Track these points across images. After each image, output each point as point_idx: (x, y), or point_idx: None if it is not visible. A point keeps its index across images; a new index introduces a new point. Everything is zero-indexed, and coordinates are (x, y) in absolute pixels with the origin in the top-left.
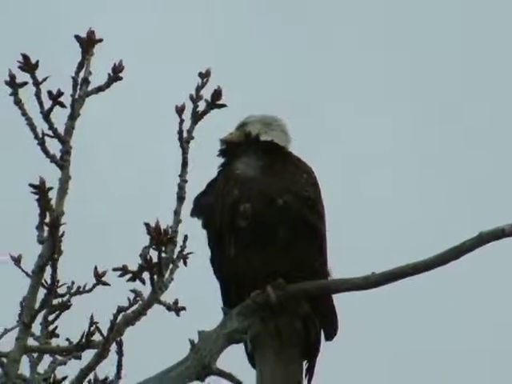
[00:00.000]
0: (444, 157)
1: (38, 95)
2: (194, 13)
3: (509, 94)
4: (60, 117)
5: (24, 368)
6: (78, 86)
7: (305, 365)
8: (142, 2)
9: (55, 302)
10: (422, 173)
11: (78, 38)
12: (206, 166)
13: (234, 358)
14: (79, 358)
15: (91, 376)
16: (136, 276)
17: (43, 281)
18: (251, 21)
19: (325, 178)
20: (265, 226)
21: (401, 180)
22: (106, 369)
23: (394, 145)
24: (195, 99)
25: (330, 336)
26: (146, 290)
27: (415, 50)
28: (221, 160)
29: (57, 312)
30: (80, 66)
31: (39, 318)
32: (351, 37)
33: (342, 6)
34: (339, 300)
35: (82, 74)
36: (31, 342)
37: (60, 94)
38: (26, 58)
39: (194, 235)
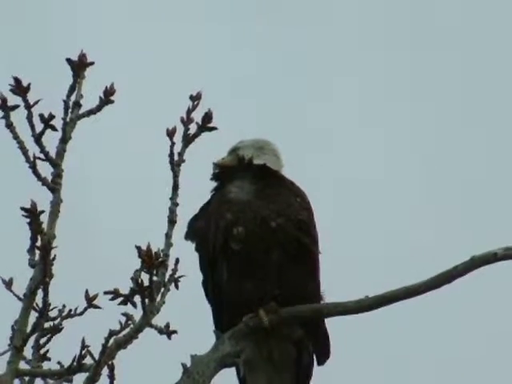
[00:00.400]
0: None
1: (29, 118)
2: (185, 37)
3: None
4: (51, 140)
5: None
6: (70, 110)
7: None
8: (133, 25)
9: (47, 325)
10: (413, 200)
11: (69, 61)
12: (197, 189)
13: (226, 383)
14: (70, 381)
15: None
16: (127, 299)
17: (35, 304)
18: (238, 44)
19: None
20: (258, 249)
21: (394, 205)
22: None
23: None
24: (186, 122)
25: (322, 360)
26: (138, 314)
27: (415, 51)
28: (214, 184)
29: (48, 335)
30: (71, 89)
31: (31, 341)
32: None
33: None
34: (332, 323)
35: (73, 98)
36: (23, 365)
37: (51, 117)
38: (17, 81)
39: (186, 258)
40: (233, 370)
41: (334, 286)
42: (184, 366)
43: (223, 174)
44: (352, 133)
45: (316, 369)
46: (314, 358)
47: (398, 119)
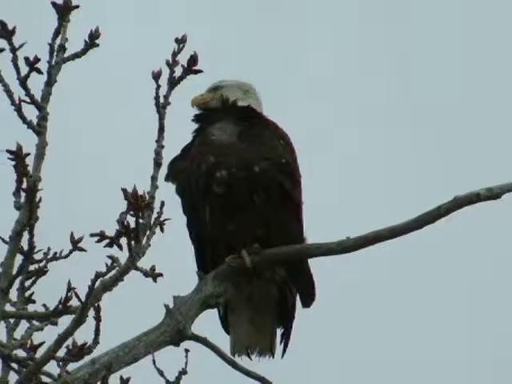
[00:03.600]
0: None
1: (14, 61)
2: None
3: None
4: (37, 83)
5: (1, 334)
6: (55, 53)
7: (280, 331)
8: None
9: (32, 267)
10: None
11: (54, 4)
12: (183, 132)
13: (209, 323)
14: (55, 323)
15: (69, 341)
16: (113, 241)
17: (20, 247)
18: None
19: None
20: (241, 192)
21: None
22: (84, 335)
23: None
24: (171, 65)
25: (307, 302)
26: (124, 256)
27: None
28: (195, 125)
29: (33, 278)
30: (56, 33)
31: (16, 284)
32: None
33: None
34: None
35: (58, 41)
36: (8, 308)
37: (37, 60)
38: (2, 24)
39: (171, 201)
40: (215, 310)
41: (316, 229)
42: (167, 307)
43: (205, 115)
44: None
45: (301, 311)
46: (298, 299)
47: None
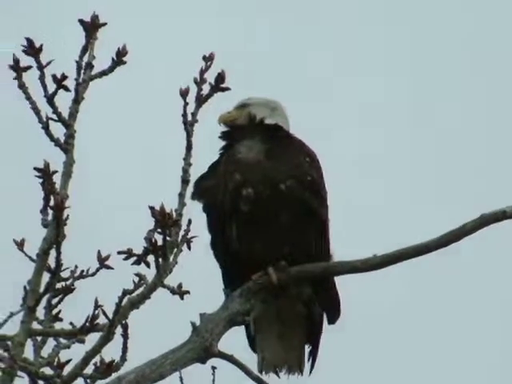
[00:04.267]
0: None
1: (41, 79)
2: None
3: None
4: (64, 101)
5: (28, 351)
6: (82, 70)
7: (307, 348)
8: None
9: (59, 285)
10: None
11: (81, 22)
12: (210, 150)
13: (236, 341)
14: (83, 341)
15: (97, 359)
16: (141, 259)
17: (47, 264)
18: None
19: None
20: (267, 210)
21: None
22: (111, 352)
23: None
24: (199, 82)
25: (332, 320)
26: (151, 274)
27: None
28: (222, 142)
29: (60, 296)
30: (84, 50)
31: (43, 302)
32: None
33: None
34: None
35: (85, 58)
36: (35, 325)
37: (64, 77)
38: (30, 41)
39: (198, 219)
40: (242, 328)
41: (343, 245)
42: (193, 324)
43: (232, 132)
44: None
45: (327, 328)
46: (324, 316)
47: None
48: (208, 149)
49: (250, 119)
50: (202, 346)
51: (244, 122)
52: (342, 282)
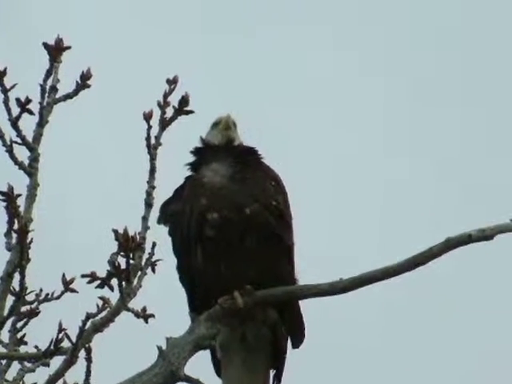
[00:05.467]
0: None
1: (6, 102)
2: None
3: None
4: (28, 124)
5: None
6: (46, 94)
7: (272, 373)
8: (109, 9)
9: (23, 309)
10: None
11: (45, 45)
12: (174, 173)
13: (202, 365)
14: (48, 365)
15: (60, 382)
16: (104, 282)
17: (11, 288)
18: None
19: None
20: (232, 235)
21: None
22: (75, 375)
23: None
24: (163, 106)
25: (297, 343)
26: (115, 297)
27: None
28: (191, 160)
29: (25, 319)
30: (48, 74)
31: (7, 325)
32: None
33: None
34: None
35: (50, 82)
36: (0, 349)
37: (28, 101)
38: None
39: (163, 242)
40: (208, 352)
41: (309, 267)
42: (159, 348)
43: (204, 150)
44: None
45: (291, 352)
46: (289, 341)
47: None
48: (172, 172)
49: (228, 141)
50: (168, 370)
51: (221, 142)
52: (306, 305)
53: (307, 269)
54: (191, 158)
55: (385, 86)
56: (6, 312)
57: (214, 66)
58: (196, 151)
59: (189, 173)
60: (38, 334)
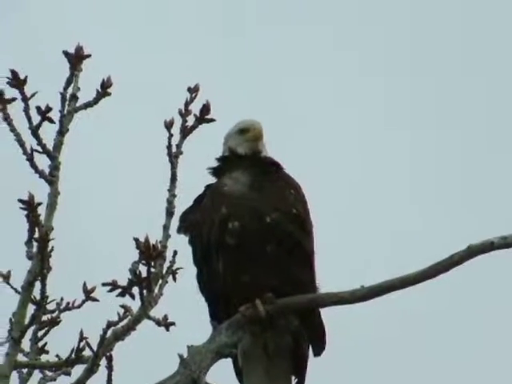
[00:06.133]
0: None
1: (26, 111)
2: (182, 26)
3: None
4: (49, 132)
5: None
6: (67, 102)
7: (294, 380)
8: (131, 17)
9: (44, 318)
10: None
11: (66, 53)
12: (195, 181)
13: (223, 373)
14: (69, 373)
15: None
16: (125, 291)
17: (32, 297)
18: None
19: None
20: (253, 243)
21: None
22: None
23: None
24: (184, 114)
25: (318, 351)
26: (136, 306)
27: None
28: (214, 166)
29: (46, 328)
30: (68, 82)
31: (29, 334)
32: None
33: None
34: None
35: (70, 90)
36: (21, 358)
37: (49, 109)
38: (14, 73)
39: (183, 250)
40: (230, 360)
41: (330, 276)
42: (181, 356)
43: (229, 159)
44: None
45: (312, 360)
46: (310, 348)
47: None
48: (193, 180)
49: (254, 152)
50: (189, 378)
51: (248, 151)
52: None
53: (327, 277)
54: (214, 165)
55: (385, 86)
56: (27, 321)
57: (233, 70)
58: (221, 158)
59: (210, 179)
60: (59, 343)
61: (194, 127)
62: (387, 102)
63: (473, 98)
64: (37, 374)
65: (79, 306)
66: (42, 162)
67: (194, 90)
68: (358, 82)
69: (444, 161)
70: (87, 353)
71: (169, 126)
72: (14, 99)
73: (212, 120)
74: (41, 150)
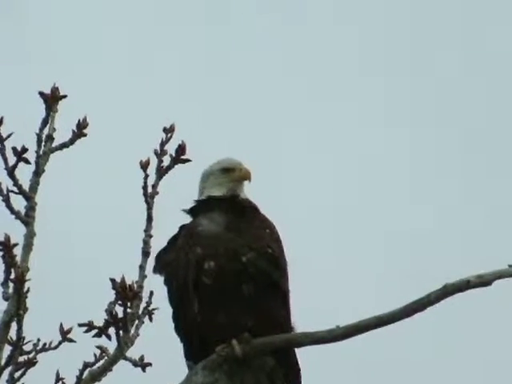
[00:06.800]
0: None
1: (2, 152)
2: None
3: None
4: (25, 173)
5: None
6: (43, 143)
7: None
8: (105, 57)
9: (21, 358)
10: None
11: (41, 94)
12: (171, 221)
13: None
14: None
15: None
16: (102, 332)
17: (9, 337)
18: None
19: None
20: (229, 282)
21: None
22: None
23: None
24: (159, 154)
25: None
26: (112, 346)
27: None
28: (190, 207)
29: (23, 369)
30: (44, 123)
31: (5, 374)
32: None
33: None
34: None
35: (46, 131)
36: None
37: (24, 150)
38: None
39: (160, 291)
40: None
41: (305, 318)
42: None
43: (207, 202)
44: None
45: None
46: None
47: None
48: (169, 220)
49: (233, 195)
50: None
51: (227, 192)
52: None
53: (304, 317)
54: (190, 205)
55: (385, 86)
56: (3, 361)
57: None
58: (198, 200)
59: (186, 220)
60: None
61: (169, 167)
62: (387, 101)
63: (472, 97)
64: None
65: (56, 347)
66: (18, 202)
67: (169, 130)
68: (358, 81)
69: (444, 161)
70: None
71: (144, 166)
72: None
73: (188, 160)
74: (17, 191)
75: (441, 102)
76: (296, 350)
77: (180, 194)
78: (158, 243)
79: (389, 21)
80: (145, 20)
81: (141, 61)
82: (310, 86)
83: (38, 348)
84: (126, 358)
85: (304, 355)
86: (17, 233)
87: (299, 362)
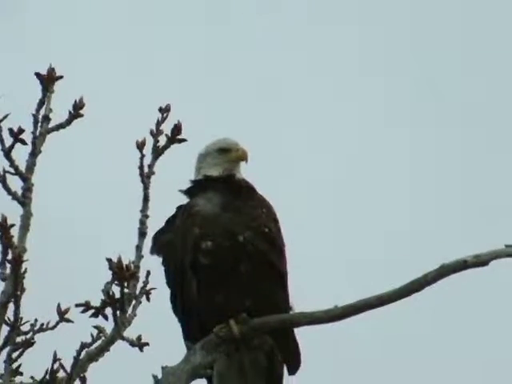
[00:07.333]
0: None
1: None
2: (153, 47)
3: None
4: (21, 154)
5: None
6: (39, 123)
7: None
8: (102, 38)
9: (19, 339)
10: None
11: (38, 75)
12: (167, 201)
13: None
14: None
15: None
16: (99, 312)
17: (6, 318)
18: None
19: None
20: (226, 262)
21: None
22: None
23: None
24: (155, 134)
25: (293, 370)
26: (109, 326)
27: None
28: (187, 187)
29: (20, 349)
30: (40, 104)
31: (3, 355)
32: None
33: None
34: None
35: (42, 112)
36: None
37: (21, 131)
38: None
39: (157, 271)
40: (204, 381)
41: (305, 292)
42: (155, 377)
43: (204, 182)
44: None
45: (287, 379)
46: (285, 367)
47: None
48: (166, 200)
49: (230, 174)
50: None
51: (224, 173)
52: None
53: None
54: (187, 185)
55: (385, 86)
56: (1, 342)
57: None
58: (194, 180)
59: (183, 200)
60: (33, 364)
61: (165, 147)
62: (387, 101)
63: (473, 97)
64: None
65: (53, 328)
66: (15, 183)
67: (165, 110)
68: (358, 81)
69: (444, 161)
70: (61, 374)
71: (140, 146)
72: None
73: (183, 140)
74: (13, 172)
75: (441, 102)
76: (295, 330)
77: (176, 174)
78: (155, 223)
79: (389, 21)
80: (145, 20)
81: (141, 60)
82: (309, 86)
83: (35, 328)
84: (123, 338)
85: (303, 335)
86: (14, 214)
87: (298, 342)
